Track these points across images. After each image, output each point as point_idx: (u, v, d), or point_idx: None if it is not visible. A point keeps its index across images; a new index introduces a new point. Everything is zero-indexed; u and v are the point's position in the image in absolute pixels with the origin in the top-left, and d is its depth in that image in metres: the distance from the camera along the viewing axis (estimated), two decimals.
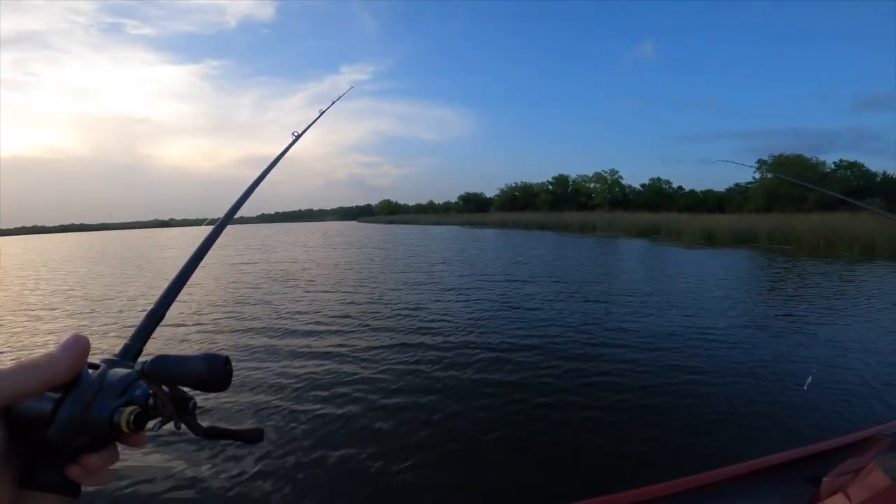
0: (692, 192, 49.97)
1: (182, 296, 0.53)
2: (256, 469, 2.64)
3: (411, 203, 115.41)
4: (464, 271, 11.45)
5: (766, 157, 39.04)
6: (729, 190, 45.51)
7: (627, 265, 12.43)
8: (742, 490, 1.07)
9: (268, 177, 0.80)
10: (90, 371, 0.34)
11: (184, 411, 0.37)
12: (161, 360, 0.34)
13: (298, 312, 7.17)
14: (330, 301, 8.13)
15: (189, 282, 0.57)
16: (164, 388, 0.35)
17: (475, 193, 78.40)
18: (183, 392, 0.37)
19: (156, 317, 0.47)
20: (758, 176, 36.59)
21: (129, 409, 0.33)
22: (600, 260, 13.81)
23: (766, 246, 15.87)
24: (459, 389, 3.80)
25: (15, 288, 11.51)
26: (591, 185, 56.09)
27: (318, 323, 6.46)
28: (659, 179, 53.02)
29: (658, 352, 4.57)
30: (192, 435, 0.39)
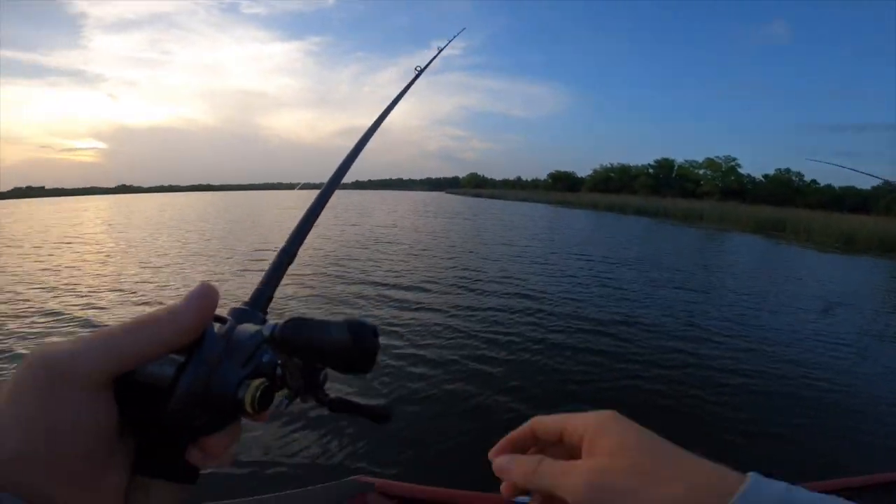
0: (828, 187, 43.14)
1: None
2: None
3: (498, 178, 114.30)
4: (557, 248, 11.28)
5: None
6: (876, 188, 38.49)
7: (740, 261, 11.31)
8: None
9: (364, 145, 0.71)
10: (216, 326, 0.28)
11: (314, 384, 0.31)
12: (296, 326, 0.27)
13: (401, 273, 7.67)
14: (432, 266, 8.55)
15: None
16: (294, 358, 0.29)
17: (566, 172, 75.25)
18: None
19: (287, 255, 0.42)
20: None
21: (256, 382, 0.26)
22: (707, 253, 12.72)
23: None
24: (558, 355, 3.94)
25: (174, 235, 13.55)
26: (701, 172, 50.80)
27: (426, 284, 6.83)
28: (788, 171, 46.40)
29: (764, 354, 4.28)
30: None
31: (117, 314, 5.32)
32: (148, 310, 0.25)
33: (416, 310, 5.34)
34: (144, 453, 0.26)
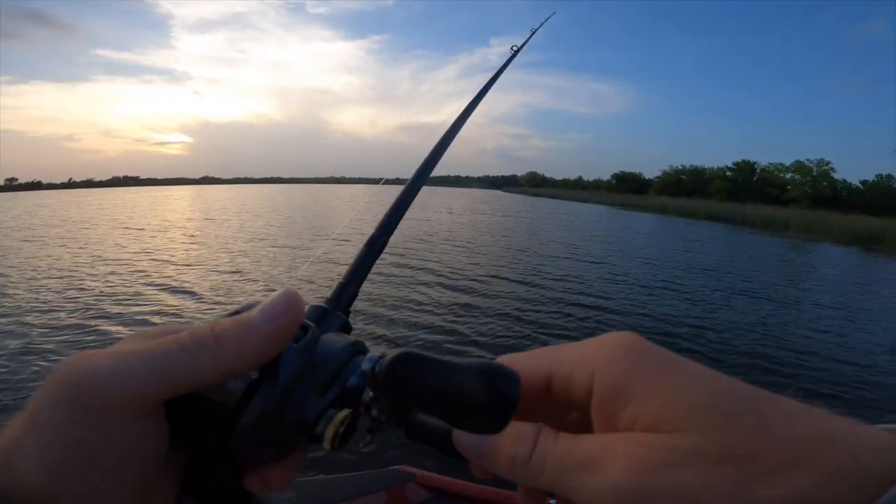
0: None
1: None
2: None
3: (558, 177, 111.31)
4: (627, 253, 10.81)
5: None
6: None
7: (830, 275, 10.19)
8: None
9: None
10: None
11: (404, 416, 0.24)
12: (409, 363, 0.19)
13: (456, 269, 7.74)
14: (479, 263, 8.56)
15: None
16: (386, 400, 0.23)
17: (632, 173, 71.67)
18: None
19: (375, 247, 0.36)
20: None
21: (341, 416, 0.22)
22: (794, 264, 11.59)
23: None
24: None
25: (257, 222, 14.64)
26: (787, 176, 46.24)
27: (478, 282, 6.87)
28: (890, 176, 41.04)
29: (843, 374, 3.94)
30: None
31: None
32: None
33: (471, 306, 5.40)
34: (195, 475, 0.23)
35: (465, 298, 5.79)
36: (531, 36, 1.09)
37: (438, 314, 5.21)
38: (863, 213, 27.21)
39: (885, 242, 16.77)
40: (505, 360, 0.21)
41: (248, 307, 0.21)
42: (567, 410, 0.19)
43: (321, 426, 0.21)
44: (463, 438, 0.21)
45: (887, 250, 16.00)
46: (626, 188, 64.93)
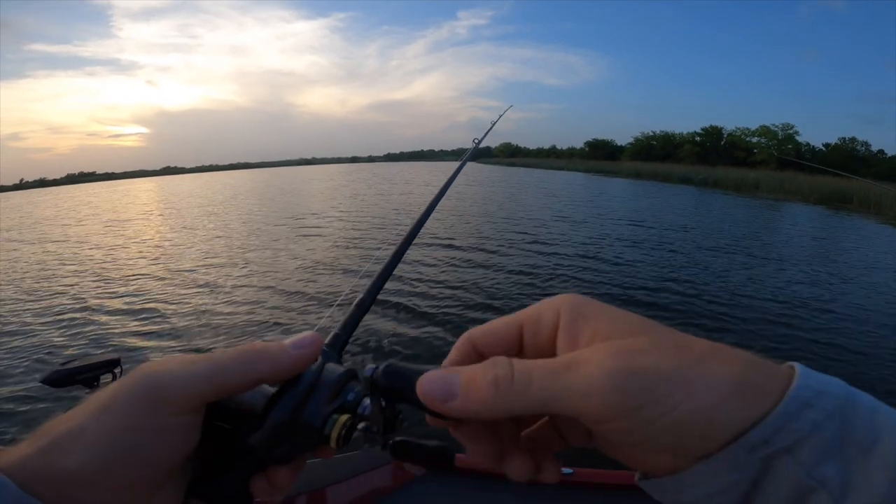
0: None
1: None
2: None
3: (532, 147, 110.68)
4: (610, 217, 10.61)
5: None
6: None
7: (807, 233, 10.31)
8: None
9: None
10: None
11: (391, 428, 0.29)
12: (393, 374, 0.25)
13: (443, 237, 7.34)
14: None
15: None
16: (381, 400, 0.28)
17: (604, 140, 71.85)
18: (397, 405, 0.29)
19: (363, 306, 0.44)
20: None
21: (343, 418, 0.27)
22: (771, 223, 11.69)
23: None
24: None
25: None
26: (754, 140, 47.21)
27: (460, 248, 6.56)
28: (853, 139, 42.51)
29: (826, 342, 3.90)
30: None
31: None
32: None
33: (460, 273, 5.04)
34: (205, 477, 0.27)
35: (457, 265, 5.45)
36: (490, 128, 1.34)
37: (434, 283, 4.90)
38: (828, 174, 28.09)
39: (853, 202, 17.28)
40: (478, 328, 0.24)
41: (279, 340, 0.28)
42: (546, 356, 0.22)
43: (328, 428, 0.26)
44: (430, 377, 0.21)
45: (855, 209, 16.52)
46: (600, 155, 65.16)
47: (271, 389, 0.27)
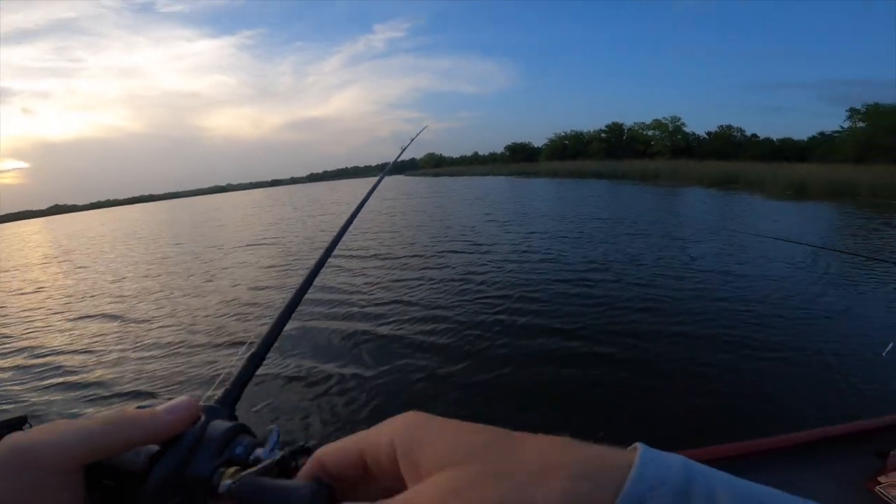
0: (767, 140, 45.35)
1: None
2: None
3: (455, 156, 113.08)
4: (538, 215, 10.92)
5: (857, 106, 34.16)
6: (811, 139, 40.78)
7: (709, 213, 11.39)
8: (806, 457, 1.06)
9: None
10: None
11: (287, 472, 0.28)
12: (250, 487, 0.25)
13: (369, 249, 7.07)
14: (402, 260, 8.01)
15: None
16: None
17: (522, 143, 75.14)
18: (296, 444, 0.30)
19: (256, 359, 0.43)
20: (847, 125, 32.54)
21: (231, 470, 0.27)
22: (675, 207, 12.78)
23: (871, 200, 14.04)
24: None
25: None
26: (650, 133, 52.06)
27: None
28: (730, 127, 48.33)
29: (735, 309, 4.31)
30: None
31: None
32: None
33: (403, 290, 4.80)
34: None
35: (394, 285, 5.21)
36: (408, 145, 1.51)
37: (369, 306, 4.63)
38: (712, 159, 31.58)
39: (739, 182, 19.55)
40: (323, 449, 0.25)
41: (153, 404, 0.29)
42: (393, 482, 0.22)
43: (216, 478, 0.27)
44: None
45: (742, 188, 18.69)
46: (519, 158, 68.11)
47: (155, 448, 0.27)
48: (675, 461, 0.18)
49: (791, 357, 3.29)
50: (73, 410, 3.45)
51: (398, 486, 0.21)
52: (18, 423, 1.20)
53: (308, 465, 0.25)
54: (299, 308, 0.51)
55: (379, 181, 1.12)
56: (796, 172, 17.69)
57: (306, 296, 0.53)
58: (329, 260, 0.61)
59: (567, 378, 3.17)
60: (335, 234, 0.70)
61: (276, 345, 0.45)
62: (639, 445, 0.19)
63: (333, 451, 0.24)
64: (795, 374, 3.08)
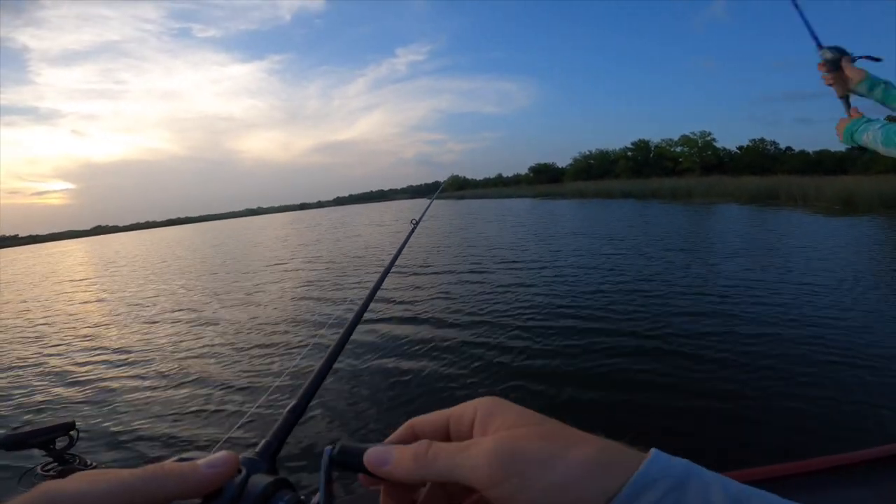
0: (803, 152, 43.80)
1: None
2: None
3: (479, 177, 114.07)
4: (571, 242, 10.72)
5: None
6: (849, 150, 39.02)
7: (753, 232, 10.91)
8: (857, 478, 1.03)
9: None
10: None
11: None
12: (346, 451, 0.29)
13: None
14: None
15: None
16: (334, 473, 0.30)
17: (546, 164, 75.28)
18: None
19: (296, 412, 0.44)
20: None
21: None
22: (717, 227, 12.32)
23: None
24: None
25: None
26: (678, 150, 51.14)
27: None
28: (763, 140, 47.03)
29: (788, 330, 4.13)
30: None
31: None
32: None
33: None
34: None
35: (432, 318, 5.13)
36: (427, 209, 1.64)
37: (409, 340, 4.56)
38: (746, 174, 30.61)
39: (780, 197, 18.80)
40: (416, 418, 0.30)
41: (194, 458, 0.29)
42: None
43: None
44: (374, 450, 0.28)
45: (784, 203, 17.94)
46: (544, 178, 68.00)
47: (195, 503, 0.27)
48: (679, 462, 0.22)
49: (832, 381, 3.19)
50: (124, 415, 3.56)
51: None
52: (66, 429, 1.22)
53: (401, 430, 0.29)
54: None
55: (418, 223, 1.33)
56: (842, 185, 16.88)
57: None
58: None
59: (616, 395, 3.19)
60: (376, 279, 0.71)
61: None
62: (653, 450, 0.23)
63: (423, 420, 0.29)
64: (835, 398, 2.98)
